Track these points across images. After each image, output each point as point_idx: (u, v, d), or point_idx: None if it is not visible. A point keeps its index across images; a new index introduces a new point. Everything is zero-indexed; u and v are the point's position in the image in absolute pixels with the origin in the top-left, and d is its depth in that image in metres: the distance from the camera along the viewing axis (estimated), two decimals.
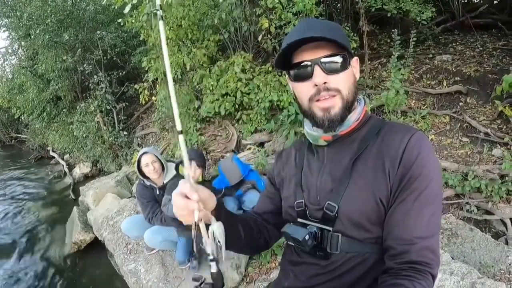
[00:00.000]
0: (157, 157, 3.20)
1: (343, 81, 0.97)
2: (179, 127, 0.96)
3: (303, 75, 0.97)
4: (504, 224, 3.24)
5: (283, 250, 1.22)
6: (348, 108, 0.99)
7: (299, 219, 1.08)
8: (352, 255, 0.97)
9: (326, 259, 1.01)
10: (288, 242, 1.10)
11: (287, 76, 1.07)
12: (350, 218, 0.96)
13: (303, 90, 0.99)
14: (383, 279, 0.89)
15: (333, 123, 0.98)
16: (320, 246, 1.01)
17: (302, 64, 0.97)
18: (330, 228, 0.99)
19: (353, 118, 1.02)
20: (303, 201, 1.07)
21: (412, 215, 0.88)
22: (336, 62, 0.95)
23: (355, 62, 1.03)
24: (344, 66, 0.97)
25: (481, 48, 5.13)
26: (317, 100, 0.97)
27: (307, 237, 0.99)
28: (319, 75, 0.94)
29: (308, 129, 1.10)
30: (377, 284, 0.91)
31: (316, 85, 0.95)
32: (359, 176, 0.97)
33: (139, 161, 3.16)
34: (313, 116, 1.00)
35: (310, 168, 1.11)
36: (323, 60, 0.94)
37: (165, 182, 3.22)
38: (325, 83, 0.94)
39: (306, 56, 0.96)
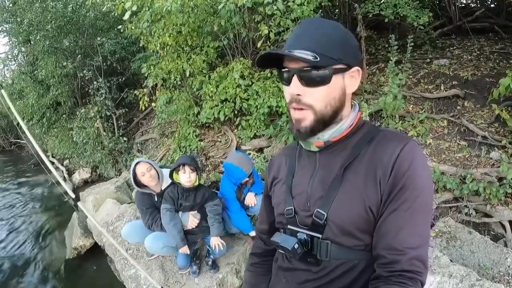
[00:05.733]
0: (151, 164, 3.22)
1: (320, 96, 0.94)
2: None
3: (285, 81, 0.97)
4: (503, 226, 3.26)
5: (275, 255, 1.23)
6: (323, 122, 0.98)
7: (289, 226, 1.07)
8: (342, 262, 0.97)
9: (316, 265, 1.00)
10: (278, 251, 1.11)
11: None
12: (339, 226, 0.96)
13: (285, 93, 1.01)
14: (374, 285, 0.89)
15: (301, 135, 0.99)
16: (310, 253, 1.00)
17: (284, 70, 0.96)
18: (320, 236, 0.99)
19: (346, 124, 1.01)
20: (292, 207, 1.06)
21: (403, 225, 0.88)
22: (315, 76, 0.92)
23: (353, 73, 0.98)
24: (323, 81, 0.93)
25: (478, 52, 5.17)
26: (293, 108, 0.98)
27: (296, 246, 0.99)
28: (294, 86, 0.94)
29: None
30: None
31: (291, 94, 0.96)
32: (350, 184, 0.96)
33: (134, 172, 3.14)
34: (291, 119, 1.02)
35: (301, 174, 1.10)
36: (302, 71, 0.92)
37: (163, 188, 3.23)
38: (298, 95, 0.94)
39: (289, 64, 0.95)
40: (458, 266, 2.55)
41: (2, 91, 2.14)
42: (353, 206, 0.94)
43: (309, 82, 0.93)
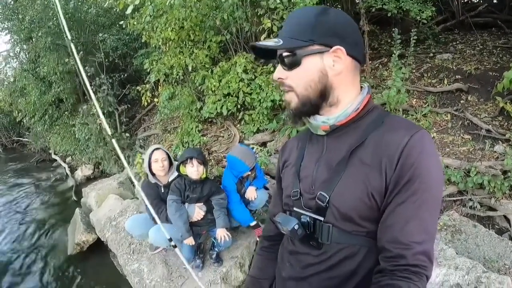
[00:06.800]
0: (167, 154, 3.25)
1: (296, 79, 0.98)
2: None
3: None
4: (507, 220, 3.24)
5: (283, 239, 1.24)
6: (310, 105, 0.99)
7: (294, 208, 1.08)
8: (343, 246, 0.96)
9: (318, 249, 1.00)
10: (281, 231, 1.10)
11: None
12: (340, 210, 0.95)
13: None
14: (377, 278, 0.88)
15: (292, 117, 1.04)
16: (312, 236, 1.01)
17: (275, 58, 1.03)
18: (322, 218, 0.99)
19: (352, 108, 0.99)
20: (298, 190, 1.07)
21: (410, 218, 0.86)
22: (286, 60, 0.97)
23: (336, 53, 0.94)
24: (294, 63, 0.96)
25: (481, 47, 5.15)
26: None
27: (296, 227, 1.00)
28: (277, 71, 1.00)
29: (309, 118, 1.09)
30: (370, 279, 0.91)
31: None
32: (354, 169, 0.95)
33: (150, 156, 3.19)
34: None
35: (309, 158, 1.10)
36: (279, 56, 0.98)
37: (169, 180, 3.24)
38: (280, 78, 1.00)
39: (278, 51, 1.00)
40: (464, 258, 2.53)
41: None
42: (355, 192, 0.93)
43: (286, 66, 0.98)
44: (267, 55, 1.04)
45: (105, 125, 1.90)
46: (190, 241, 2.99)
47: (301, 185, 1.08)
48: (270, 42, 0.95)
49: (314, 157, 1.08)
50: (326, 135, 1.05)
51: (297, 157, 1.16)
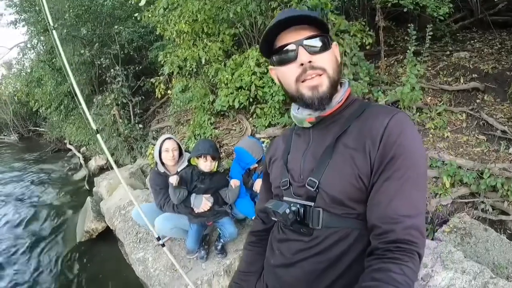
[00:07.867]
0: (178, 145, 3.28)
1: (327, 61, 1.00)
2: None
3: (288, 58, 1.00)
4: None
5: (273, 229, 1.25)
6: (335, 87, 1.03)
7: (284, 198, 1.11)
8: (334, 230, 0.98)
9: (309, 235, 1.02)
10: (272, 218, 1.12)
11: (270, 63, 1.11)
12: (330, 194, 0.97)
13: (288, 72, 1.02)
14: (369, 262, 0.88)
15: (322, 101, 1.01)
16: (303, 222, 1.02)
17: (286, 48, 1.00)
18: (312, 204, 1.01)
19: (336, 99, 1.05)
20: (287, 179, 1.11)
21: (396, 193, 0.88)
22: (318, 43, 0.99)
23: (335, 46, 1.07)
24: (326, 46, 1.00)
25: (499, 46, 5.01)
26: (304, 81, 1.00)
27: (287, 211, 1.02)
28: (303, 55, 0.97)
29: (294, 112, 1.13)
30: (361, 260, 0.92)
31: (302, 65, 0.98)
32: (340, 154, 0.99)
33: (160, 145, 3.22)
34: (301, 97, 1.02)
35: (296, 150, 1.15)
36: (305, 41, 0.98)
37: (178, 170, 3.25)
38: (310, 61, 0.97)
39: (289, 39, 0.99)
40: (472, 262, 2.47)
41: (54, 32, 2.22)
42: (344, 175, 0.96)
43: (314, 49, 0.99)
44: (271, 51, 1.05)
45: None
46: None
47: (289, 176, 1.11)
48: (311, 14, 0.97)
49: (301, 149, 1.12)
50: (312, 127, 1.10)
51: (283, 151, 1.20)
